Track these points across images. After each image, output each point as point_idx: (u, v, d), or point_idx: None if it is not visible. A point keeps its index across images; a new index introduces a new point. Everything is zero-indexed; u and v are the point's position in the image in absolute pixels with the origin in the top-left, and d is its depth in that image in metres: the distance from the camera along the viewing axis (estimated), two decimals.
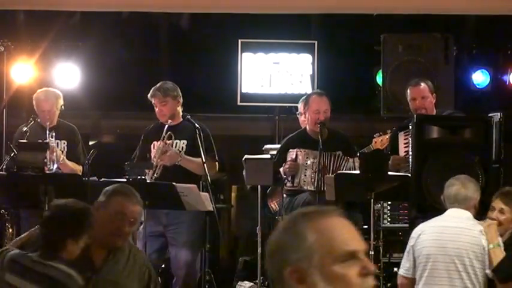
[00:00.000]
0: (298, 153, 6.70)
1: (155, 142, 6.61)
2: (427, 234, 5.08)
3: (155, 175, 6.39)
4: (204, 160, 6.25)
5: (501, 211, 5.20)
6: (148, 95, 6.69)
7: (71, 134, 7.06)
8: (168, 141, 6.49)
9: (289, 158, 6.73)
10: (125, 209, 4.27)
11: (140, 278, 4.27)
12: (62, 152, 6.94)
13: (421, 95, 6.55)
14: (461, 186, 5.13)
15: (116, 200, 4.30)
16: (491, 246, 5.05)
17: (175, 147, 6.57)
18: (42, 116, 6.95)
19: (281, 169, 6.73)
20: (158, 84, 6.70)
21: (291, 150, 6.76)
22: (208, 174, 6.25)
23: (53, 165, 6.63)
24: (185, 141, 6.57)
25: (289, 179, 6.72)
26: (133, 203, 4.32)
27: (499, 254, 5.05)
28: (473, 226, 5.04)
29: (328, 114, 6.81)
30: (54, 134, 6.82)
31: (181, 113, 6.68)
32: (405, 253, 5.27)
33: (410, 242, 5.20)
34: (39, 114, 6.97)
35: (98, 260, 4.25)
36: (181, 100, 6.68)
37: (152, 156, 6.52)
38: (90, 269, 4.18)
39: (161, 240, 6.42)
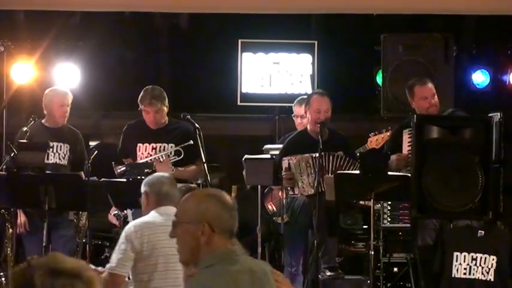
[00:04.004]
0: (290, 162, 6.67)
1: (140, 144, 6.76)
2: (154, 234, 4.82)
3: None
4: (204, 160, 6.26)
5: None
6: (142, 103, 6.71)
7: (75, 139, 7.05)
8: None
9: (283, 169, 6.69)
10: None
11: None
12: (64, 156, 6.95)
13: (432, 93, 6.58)
14: (170, 186, 5.05)
15: None
16: None
17: (164, 150, 6.71)
18: (60, 111, 6.91)
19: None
20: (149, 91, 6.73)
21: (284, 158, 6.73)
22: (208, 175, 6.25)
23: None
24: (173, 145, 6.66)
25: (290, 189, 6.70)
26: None
27: None
28: None
29: (329, 114, 6.80)
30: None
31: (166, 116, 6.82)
32: (122, 251, 4.83)
33: (132, 241, 4.83)
34: (56, 110, 6.92)
35: None
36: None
37: (139, 159, 6.68)
38: None
39: None
